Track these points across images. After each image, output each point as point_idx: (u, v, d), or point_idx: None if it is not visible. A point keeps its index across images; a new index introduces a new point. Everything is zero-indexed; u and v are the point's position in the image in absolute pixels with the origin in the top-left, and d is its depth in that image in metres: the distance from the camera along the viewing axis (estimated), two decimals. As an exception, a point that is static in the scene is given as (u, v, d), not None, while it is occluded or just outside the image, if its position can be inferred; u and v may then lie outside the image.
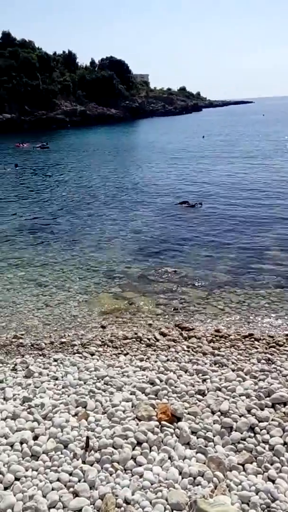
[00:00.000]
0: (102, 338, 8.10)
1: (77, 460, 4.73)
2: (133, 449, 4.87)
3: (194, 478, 4.45)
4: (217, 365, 6.75)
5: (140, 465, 4.63)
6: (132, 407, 5.63)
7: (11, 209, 19.51)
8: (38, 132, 64.36)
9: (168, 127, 78.66)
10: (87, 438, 4.92)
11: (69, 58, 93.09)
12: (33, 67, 75.50)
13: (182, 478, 4.46)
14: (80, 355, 7.39)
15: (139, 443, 4.95)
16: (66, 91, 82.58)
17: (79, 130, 70.31)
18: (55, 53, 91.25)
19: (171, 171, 29.24)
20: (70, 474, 4.53)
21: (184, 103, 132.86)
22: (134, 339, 7.99)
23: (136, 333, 8.24)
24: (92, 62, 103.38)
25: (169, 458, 4.74)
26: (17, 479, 4.51)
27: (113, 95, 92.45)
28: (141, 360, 7.09)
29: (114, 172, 29.38)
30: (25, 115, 72.26)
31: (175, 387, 6.04)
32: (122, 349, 7.62)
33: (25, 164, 33.73)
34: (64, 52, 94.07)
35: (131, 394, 5.93)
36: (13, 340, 8.15)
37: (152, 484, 4.36)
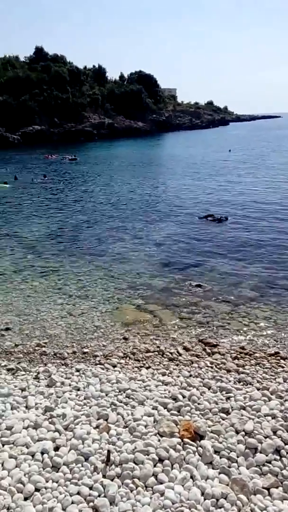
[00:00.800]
0: (124, 350, 8.06)
1: (98, 473, 4.67)
2: (155, 465, 4.78)
3: (217, 500, 4.32)
4: (242, 383, 6.60)
5: (161, 483, 4.54)
6: (154, 422, 5.55)
7: (38, 219, 19.85)
8: (67, 144, 65.63)
9: (194, 140, 78.90)
10: (108, 452, 4.86)
11: (99, 72, 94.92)
12: (64, 81, 77.29)
13: (205, 499, 4.34)
14: (102, 366, 7.36)
15: (161, 460, 4.85)
16: (95, 104, 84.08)
17: (106, 143, 71.32)
18: (85, 67, 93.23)
19: (196, 184, 29.22)
20: (91, 488, 4.47)
21: (211, 117, 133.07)
22: (156, 353, 7.92)
23: (158, 347, 8.16)
24: (121, 76, 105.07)
25: (191, 477, 4.63)
26: (37, 490, 4.48)
27: (140, 108, 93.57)
28: (163, 374, 7.00)
29: (139, 185, 29.57)
30: (54, 127, 73.85)
31: (198, 404, 5.93)
32: (144, 362, 7.55)
33: (53, 175, 34.37)
34: (94, 66, 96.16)
35: (153, 409, 5.85)
36: (36, 348, 8.21)
37: (173, 504, 4.26)
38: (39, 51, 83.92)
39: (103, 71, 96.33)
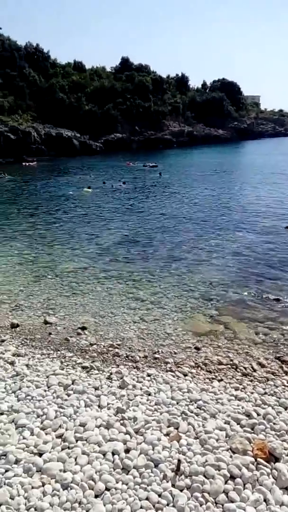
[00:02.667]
0: (195, 360, 7.96)
1: (167, 482, 4.64)
2: (226, 482, 4.64)
3: (292, 530, 4.06)
4: None
5: (232, 501, 4.39)
6: (226, 437, 5.39)
7: (115, 224, 20.45)
8: (145, 152, 67.05)
9: (277, 148, 76.25)
10: (179, 461, 4.80)
11: (181, 80, 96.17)
12: (147, 90, 79.26)
13: (278, 526, 4.10)
14: (173, 373, 7.32)
15: (232, 477, 4.69)
16: (176, 112, 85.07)
17: (185, 150, 71.63)
18: (168, 76, 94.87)
19: (278, 194, 28.12)
20: (159, 496, 4.45)
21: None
22: (229, 366, 7.71)
23: (231, 360, 7.94)
24: (204, 84, 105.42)
25: (265, 500, 4.41)
26: (107, 489, 4.56)
27: (221, 115, 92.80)
28: (236, 389, 6.79)
29: (216, 193, 29.21)
30: (134, 135, 75.88)
31: (274, 423, 5.65)
32: (216, 374, 7.38)
33: (132, 182, 35.28)
34: (177, 74, 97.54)
35: (225, 423, 5.68)
36: (110, 349, 8.41)
37: (244, 526, 4.08)
38: (125, 61, 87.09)
39: (186, 79, 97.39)
